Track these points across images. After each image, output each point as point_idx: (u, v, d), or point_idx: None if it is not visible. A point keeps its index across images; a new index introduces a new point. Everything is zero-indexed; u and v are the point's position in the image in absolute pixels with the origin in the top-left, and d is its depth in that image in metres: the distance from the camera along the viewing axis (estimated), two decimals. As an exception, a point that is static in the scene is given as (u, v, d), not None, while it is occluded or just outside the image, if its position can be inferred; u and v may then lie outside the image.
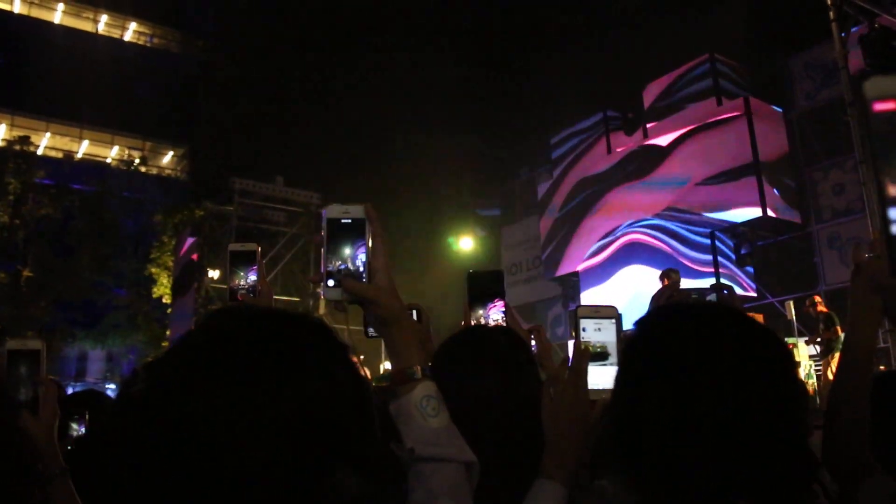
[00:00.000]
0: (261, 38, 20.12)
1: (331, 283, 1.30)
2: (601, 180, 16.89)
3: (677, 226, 14.94)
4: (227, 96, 26.30)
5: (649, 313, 1.33)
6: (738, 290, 12.98)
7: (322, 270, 1.32)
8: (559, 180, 18.18)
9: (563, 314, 18.29)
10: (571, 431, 1.42)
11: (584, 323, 1.60)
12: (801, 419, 1.11)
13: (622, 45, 17.51)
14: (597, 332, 1.59)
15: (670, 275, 7.60)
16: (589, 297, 16.37)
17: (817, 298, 10.38)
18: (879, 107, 0.70)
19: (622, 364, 1.26)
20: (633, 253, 15.79)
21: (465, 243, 21.30)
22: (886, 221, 0.70)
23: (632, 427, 1.14)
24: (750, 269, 14.04)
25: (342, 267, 1.31)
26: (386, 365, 10.96)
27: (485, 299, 2.28)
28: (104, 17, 31.23)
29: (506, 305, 2.28)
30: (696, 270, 13.90)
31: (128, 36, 32.00)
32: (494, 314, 2.26)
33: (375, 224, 1.33)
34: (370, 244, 1.32)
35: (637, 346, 1.23)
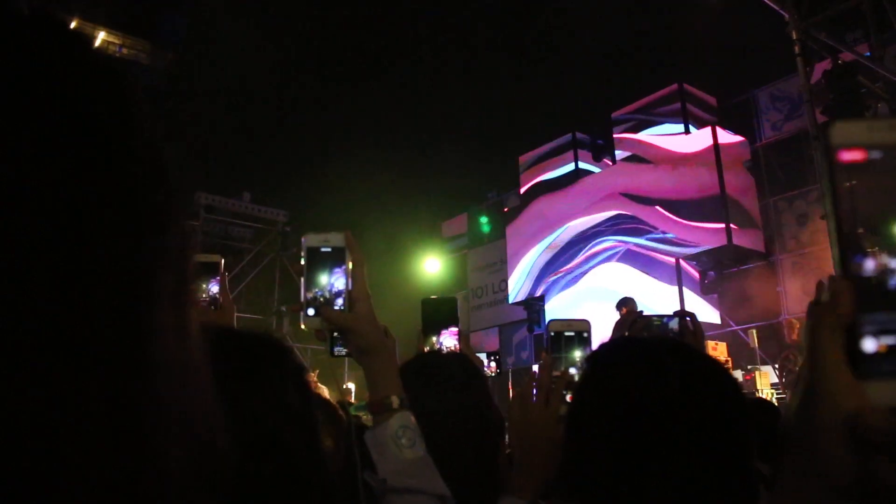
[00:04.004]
0: (231, 52, 20.00)
1: (310, 311, 1.29)
2: (567, 205, 16.96)
3: (644, 249, 15.04)
4: (196, 110, 26.08)
5: (601, 347, 1.35)
6: (702, 318, 13.05)
7: (301, 299, 1.31)
8: (525, 203, 18.23)
9: (528, 338, 18.29)
10: (540, 448, 1.41)
11: (555, 337, 1.59)
12: (746, 449, 1.12)
13: (593, 72, 17.77)
14: (568, 347, 1.58)
15: (627, 303, 7.65)
16: (554, 305, 16.43)
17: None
18: (846, 157, 0.65)
19: (574, 399, 1.27)
20: (600, 272, 15.89)
21: (431, 266, 21.26)
22: (847, 272, 0.70)
23: (582, 460, 1.15)
24: (714, 296, 14.18)
25: (320, 294, 1.30)
26: (349, 385, 10.83)
27: (439, 326, 2.32)
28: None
29: (459, 332, 2.31)
30: (662, 296, 13.99)
31: (96, 44, 31.47)
32: (448, 340, 2.30)
33: (356, 252, 1.32)
34: (350, 272, 1.31)
35: (588, 381, 1.25)
